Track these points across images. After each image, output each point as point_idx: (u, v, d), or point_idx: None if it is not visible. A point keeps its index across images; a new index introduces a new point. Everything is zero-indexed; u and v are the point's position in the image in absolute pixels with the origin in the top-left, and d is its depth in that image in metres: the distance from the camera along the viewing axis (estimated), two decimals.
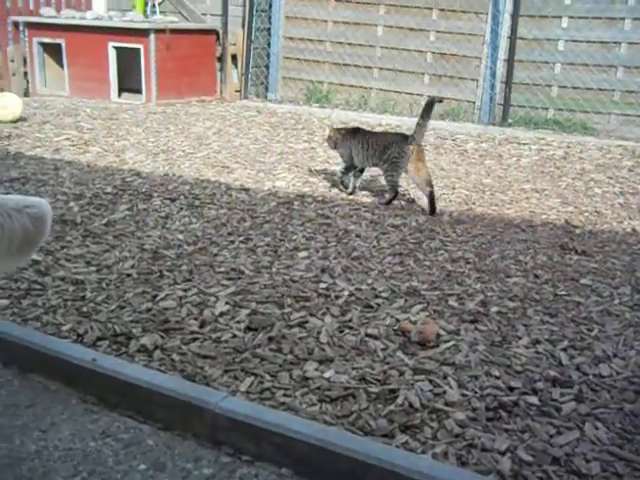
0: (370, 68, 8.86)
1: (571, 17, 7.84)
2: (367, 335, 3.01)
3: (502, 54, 8.10)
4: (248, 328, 3.03)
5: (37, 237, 2.53)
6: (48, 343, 2.81)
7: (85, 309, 3.14)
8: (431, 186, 4.75)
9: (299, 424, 2.36)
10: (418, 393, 2.58)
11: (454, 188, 5.42)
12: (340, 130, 5.23)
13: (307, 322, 3.10)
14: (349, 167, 5.07)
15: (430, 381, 2.66)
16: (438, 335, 3.00)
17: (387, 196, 4.94)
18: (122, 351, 2.82)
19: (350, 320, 3.14)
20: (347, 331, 3.04)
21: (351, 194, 5.10)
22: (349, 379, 2.66)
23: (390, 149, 4.78)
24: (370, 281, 3.55)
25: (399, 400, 2.54)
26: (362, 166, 5.04)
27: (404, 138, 4.82)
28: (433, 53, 8.54)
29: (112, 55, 8.74)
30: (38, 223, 2.49)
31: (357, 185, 5.15)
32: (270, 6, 9.31)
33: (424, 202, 4.85)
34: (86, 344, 2.84)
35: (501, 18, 8.05)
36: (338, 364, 2.77)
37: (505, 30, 8.03)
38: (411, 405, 2.52)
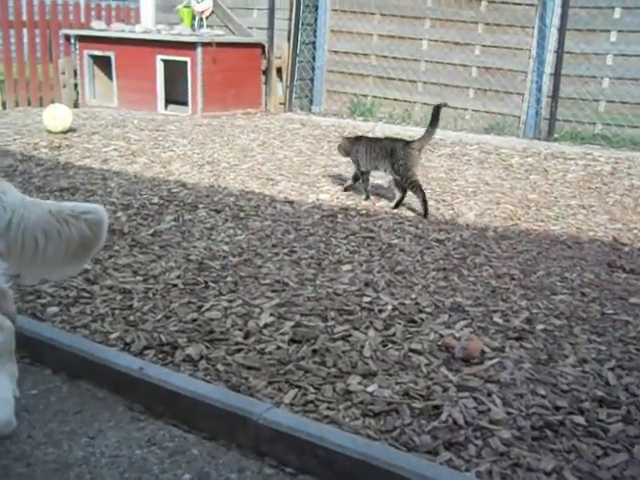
0: (414, 82, 8.86)
1: (620, 31, 7.75)
2: (411, 350, 3.00)
3: (548, 68, 8.03)
4: (292, 340, 3.04)
5: (94, 242, 2.60)
6: (96, 351, 2.86)
7: (132, 318, 3.20)
8: (422, 190, 5.00)
9: (342, 438, 2.37)
10: (462, 410, 2.56)
11: (499, 203, 5.38)
12: (348, 138, 5.58)
13: (350, 336, 3.10)
14: (364, 172, 5.35)
15: (474, 398, 2.64)
16: (482, 352, 2.98)
17: (419, 200, 5.02)
18: (168, 360, 2.85)
19: (394, 334, 3.13)
20: (390, 345, 3.03)
21: (367, 197, 5.35)
22: (392, 394, 2.66)
23: (396, 154, 5.05)
24: (414, 296, 3.54)
25: (443, 417, 2.53)
26: (367, 169, 5.32)
27: (406, 143, 5.11)
28: (478, 67, 8.52)
29: (160, 68, 8.90)
30: (95, 228, 2.56)
31: (368, 189, 5.40)
32: (315, 20, 9.39)
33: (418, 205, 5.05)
34: (133, 353, 2.89)
35: (548, 32, 7.99)
36: (381, 378, 2.77)
37: (552, 44, 7.97)
38: (455, 422, 2.50)
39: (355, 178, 5.48)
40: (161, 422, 2.59)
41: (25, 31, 9.26)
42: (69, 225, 2.55)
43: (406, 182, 5.03)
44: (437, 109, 5.08)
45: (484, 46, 8.45)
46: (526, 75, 8.20)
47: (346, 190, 5.52)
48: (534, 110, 8.14)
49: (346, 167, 6.28)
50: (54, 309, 3.27)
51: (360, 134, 5.91)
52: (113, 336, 3.03)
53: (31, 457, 2.38)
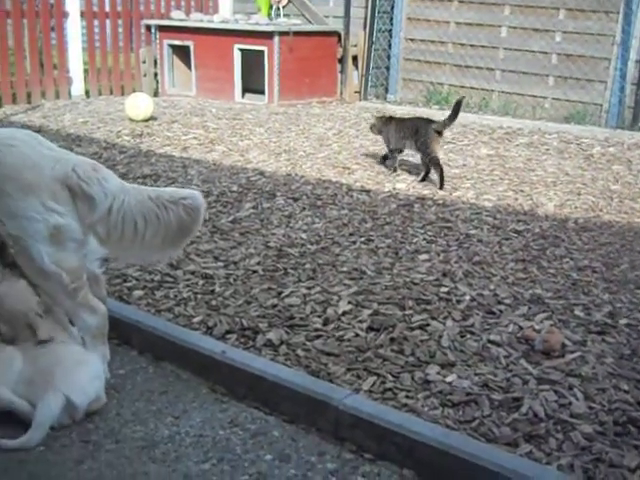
0: (492, 70, 8.71)
1: None
2: (489, 341, 2.98)
3: (634, 55, 7.76)
4: (370, 328, 3.07)
5: (191, 227, 2.70)
6: (180, 334, 2.95)
7: (214, 303, 3.28)
8: (440, 166, 5.31)
9: (421, 426, 2.38)
10: (543, 403, 2.54)
11: (579, 194, 5.26)
12: (380, 118, 5.89)
13: (428, 325, 3.11)
14: (392, 150, 5.71)
15: (555, 391, 2.62)
16: (563, 345, 2.94)
17: (436, 176, 5.34)
18: (249, 345, 2.93)
19: (472, 325, 3.12)
20: (469, 336, 3.03)
21: (395, 171, 5.70)
22: (471, 385, 2.66)
23: (418, 132, 5.41)
24: (492, 287, 3.52)
25: (523, 409, 2.51)
26: (396, 147, 5.66)
27: (429, 121, 5.50)
28: (559, 54, 8.30)
29: (237, 57, 9.02)
30: (193, 213, 2.66)
31: (396, 165, 5.74)
32: (392, 8, 9.32)
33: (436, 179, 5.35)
34: (215, 336, 2.97)
35: (634, 17, 7.72)
36: (460, 369, 2.77)
37: (638, 30, 7.70)
38: (536, 415, 2.48)
39: (391, 153, 5.75)
40: (243, 404, 2.66)
41: (108, 21, 9.53)
42: (167, 210, 2.65)
43: (426, 157, 5.36)
44: (458, 104, 5.41)
45: (565, 32, 8.23)
46: (609, 62, 7.95)
47: (395, 170, 5.71)
48: (617, 98, 7.88)
49: None
50: (139, 292, 3.39)
51: (390, 114, 6.13)
52: (196, 320, 3.12)
53: (119, 434, 2.48)
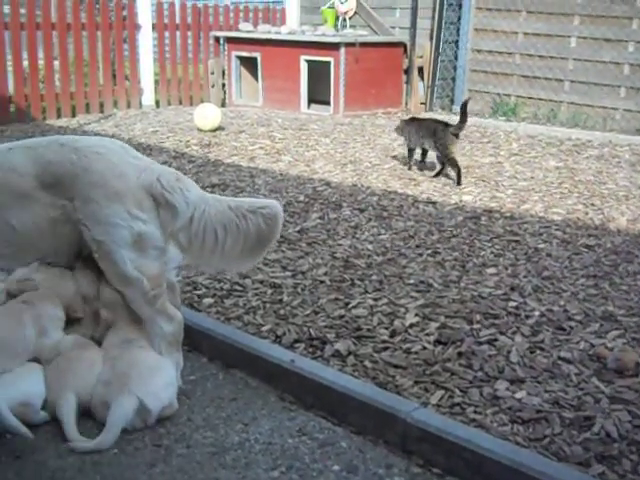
0: (561, 81, 8.57)
1: None
2: (560, 358, 2.94)
3: None
4: (437, 341, 3.06)
5: (270, 237, 2.75)
6: (250, 342, 3.00)
7: (282, 312, 3.32)
8: (458, 165, 5.72)
9: (490, 442, 2.36)
10: (616, 423, 2.49)
11: None
12: (404, 120, 6.37)
13: (497, 340, 3.08)
14: (411, 149, 6.13)
15: (629, 411, 2.56)
16: (637, 364, 2.87)
17: (453, 174, 5.75)
18: (317, 354, 2.95)
19: (542, 341, 3.08)
20: (538, 352, 2.99)
21: (409, 169, 6.11)
22: (541, 402, 2.62)
23: (437, 134, 5.80)
24: (562, 302, 3.46)
25: (595, 428, 2.47)
26: (415, 146, 6.08)
27: (446, 124, 5.87)
28: (631, 65, 8.11)
29: (304, 68, 9.11)
30: (271, 223, 2.71)
31: (412, 162, 6.16)
32: (459, 18, 9.27)
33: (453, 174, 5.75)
34: (284, 345, 3.01)
35: None
36: (530, 385, 2.73)
37: None
38: (608, 435, 2.43)
39: (410, 152, 6.15)
40: (311, 413, 2.69)
41: (178, 33, 9.76)
42: (247, 220, 2.71)
43: (444, 157, 5.79)
44: (464, 105, 5.83)
45: (639, 42, 8.05)
46: None
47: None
48: None
49: (489, 168, 6.20)
50: (209, 300, 3.46)
51: (412, 116, 6.78)
52: (265, 328, 3.16)
53: (191, 440, 2.54)
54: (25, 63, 8.52)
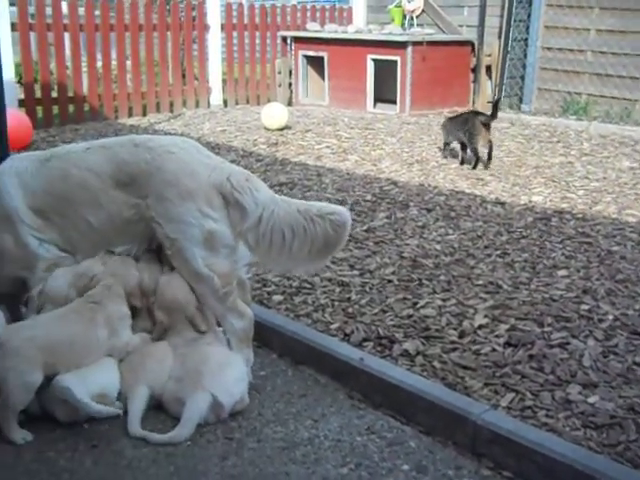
0: (636, 79, 8.33)
1: None
2: (635, 363, 2.87)
3: None
4: (507, 343, 3.03)
5: (336, 243, 2.76)
6: (319, 339, 3.03)
7: (351, 310, 3.34)
8: (491, 148, 6.14)
9: (563, 447, 2.33)
10: None
11: None
12: (448, 117, 6.82)
13: (569, 343, 3.03)
14: (446, 143, 6.48)
15: None
16: None
17: (472, 162, 6.09)
18: (386, 353, 2.96)
19: (615, 346, 3.01)
20: (612, 357, 2.92)
21: (462, 164, 6.26)
22: (616, 407, 2.57)
23: (467, 124, 6.09)
24: (637, 307, 3.37)
25: None
26: (449, 140, 6.41)
27: (476, 114, 6.27)
28: None
29: (370, 67, 9.11)
30: (339, 230, 2.72)
31: (465, 157, 6.27)
32: (529, 16, 9.11)
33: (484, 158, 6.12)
34: (353, 344, 3.03)
35: None
36: (603, 390, 2.68)
37: None
38: None
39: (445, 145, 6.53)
40: (379, 412, 2.69)
41: (246, 33, 9.88)
42: (315, 224, 2.73)
43: (470, 145, 6.08)
44: (496, 103, 6.51)
45: None
46: None
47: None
48: None
49: (559, 168, 6.08)
50: (279, 297, 3.50)
51: (457, 113, 6.94)
52: (334, 326, 3.19)
53: (261, 434, 2.58)
54: (99, 64, 8.77)
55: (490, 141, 6.14)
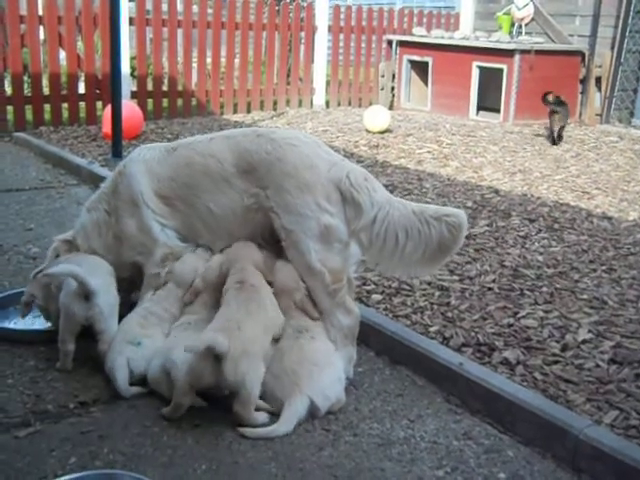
0: None
1: None
2: None
3: None
4: (612, 360, 2.95)
5: (451, 246, 2.73)
6: (418, 341, 3.03)
7: (450, 315, 3.33)
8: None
9: None
10: None
11: None
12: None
13: None
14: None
15: None
16: None
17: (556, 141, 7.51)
18: (485, 360, 2.93)
19: None
20: None
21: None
22: None
23: (556, 113, 7.51)
24: None
25: None
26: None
27: (563, 105, 7.60)
28: None
29: (475, 74, 9.01)
30: (455, 232, 2.70)
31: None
32: None
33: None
34: (452, 348, 3.01)
35: None
36: None
37: None
38: None
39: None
40: (477, 418, 2.68)
41: (353, 36, 9.95)
42: (429, 226, 2.71)
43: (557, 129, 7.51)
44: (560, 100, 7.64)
45: None
46: None
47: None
48: None
49: None
50: (378, 297, 3.52)
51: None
52: (432, 329, 3.18)
53: (357, 429, 2.60)
54: (208, 60, 9.02)
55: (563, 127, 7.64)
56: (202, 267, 2.92)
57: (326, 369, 2.67)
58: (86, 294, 2.77)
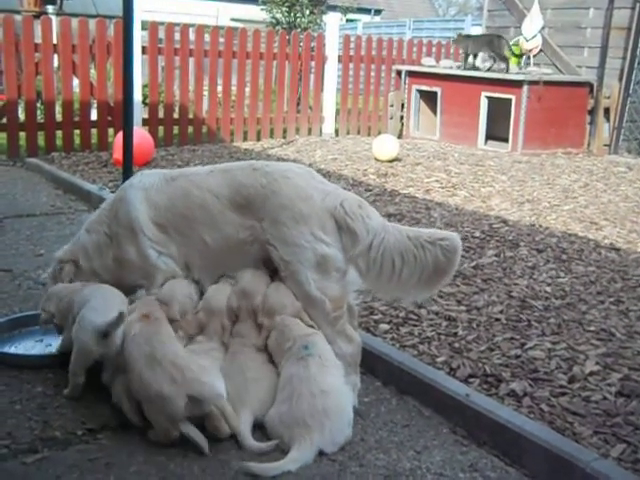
0: None
1: None
2: None
3: None
4: (619, 393, 2.94)
5: (447, 269, 2.77)
6: (425, 371, 3.03)
7: (457, 345, 3.33)
8: None
9: None
10: None
11: None
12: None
13: None
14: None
15: None
16: None
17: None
18: (492, 392, 2.93)
19: None
20: None
21: None
22: None
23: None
24: None
25: None
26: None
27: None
28: None
29: (484, 104, 9.07)
30: (450, 256, 2.74)
31: None
32: None
33: None
34: (458, 379, 3.01)
35: None
36: None
37: None
38: None
39: None
40: (483, 450, 2.67)
41: (362, 66, 10.06)
42: (425, 250, 2.75)
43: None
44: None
45: None
46: None
47: None
48: None
49: None
50: (385, 326, 3.53)
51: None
52: (439, 360, 3.18)
53: (363, 459, 2.59)
54: (219, 88, 9.12)
55: None
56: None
57: (338, 418, 2.61)
58: (105, 333, 2.75)
